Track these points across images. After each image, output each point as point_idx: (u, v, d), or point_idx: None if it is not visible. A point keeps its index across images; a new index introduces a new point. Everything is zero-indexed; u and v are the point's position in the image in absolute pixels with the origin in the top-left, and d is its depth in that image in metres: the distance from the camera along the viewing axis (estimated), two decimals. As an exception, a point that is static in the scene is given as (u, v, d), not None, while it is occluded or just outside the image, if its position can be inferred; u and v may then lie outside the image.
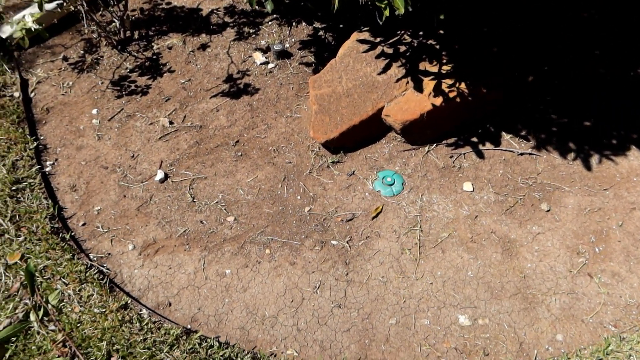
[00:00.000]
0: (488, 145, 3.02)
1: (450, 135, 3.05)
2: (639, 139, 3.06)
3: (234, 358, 2.22)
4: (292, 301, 2.46)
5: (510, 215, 2.75)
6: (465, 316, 2.41)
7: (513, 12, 3.40)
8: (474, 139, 3.04)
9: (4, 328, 2.26)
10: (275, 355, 2.29)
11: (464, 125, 3.07)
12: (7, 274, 2.45)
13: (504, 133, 3.07)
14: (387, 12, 2.15)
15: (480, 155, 2.98)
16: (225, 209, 2.79)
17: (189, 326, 2.38)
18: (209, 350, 2.25)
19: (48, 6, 3.27)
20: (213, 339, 2.30)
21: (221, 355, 2.22)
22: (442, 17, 2.40)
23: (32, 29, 2.90)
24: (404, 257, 2.60)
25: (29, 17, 2.92)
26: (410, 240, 2.66)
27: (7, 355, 2.20)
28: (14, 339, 2.24)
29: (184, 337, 2.29)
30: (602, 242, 2.65)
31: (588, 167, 2.94)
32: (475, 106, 2.92)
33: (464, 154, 2.99)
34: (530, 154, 2.99)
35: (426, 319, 2.41)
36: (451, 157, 2.97)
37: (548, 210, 2.77)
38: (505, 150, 3.00)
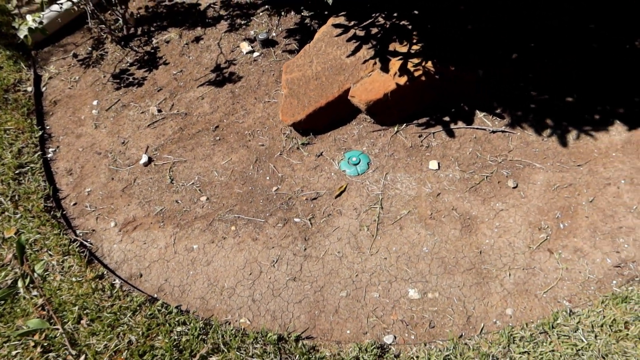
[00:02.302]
0: (460, 124, 3.01)
1: (422, 115, 3.06)
2: (625, 114, 2.94)
3: (188, 323, 2.38)
4: (251, 274, 2.60)
5: (474, 193, 2.74)
6: (415, 290, 2.45)
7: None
8: (446, 118, 3.03)
9: (-6, 293, 2.56)
10: (229, 323, 2.44)
11: (437, 105, 3.07)
12: (2, 246, 2.75)
13: (478, 111, 3.04)
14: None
15: (450, 134, 2.97)
16: (199, 190, 2.97)
17: (155, 295, 2.57)
18: (167, 316, 2.43)
19: (55, 8, 3.60)
20: (173, 306, 2.48)
21: (177, 321, 2.40)
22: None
23: (34, 28, 3.20)
24: (362, 234, 2.67)
25: (30, 17, 3.23)
26: (370, 218, 2.72)
27: (-6, 316, 2.48)
28: (2, 302, 2.53)
29: (147, 304, 2.49)
30: (568, 218, 2.59)
31: (564, 144, 2.86)
32: (445, 85, 2.92)
33: (434, 133, 2.99)
34: (503, 131, 2.95)
35: (376, 292, 2.47)
36: (420, 136, 2.99)
37: (515, 187, 2.73)
38: (478, 129, 2.98)
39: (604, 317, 2.21)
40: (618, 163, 2.75)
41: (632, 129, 2.86)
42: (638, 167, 2.71)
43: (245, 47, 3.64)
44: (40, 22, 3.28)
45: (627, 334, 2.15)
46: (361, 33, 3.12)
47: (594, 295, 2.34)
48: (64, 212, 2.97)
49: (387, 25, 3.12)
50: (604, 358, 2.10)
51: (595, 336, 2.16)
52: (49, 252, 2.72)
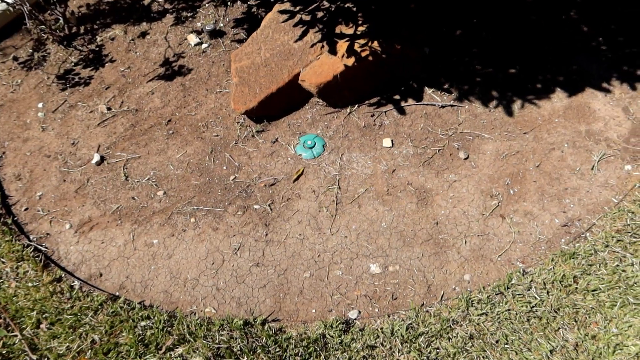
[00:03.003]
0: (410, 101, 3.07)
1: (373, 95, 3.11)
2: (564, 81, 3.07)
3: (152, 317, 2.36)
4: (213, 264, 2.59)
5: (428, 167, 2.81)
6: (377, 265, 2.50)
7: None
8: (396, 97, 3.09)
9: (-55, 306, 2.46)
10: (194, 314, 2.43)
11: (386, 84, 3.12)
12: (-49, 258, 2.65)
13: (426, 88, 3.11)
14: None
15: (401, 111, 3.03)
16: (155, 185, 2.93)
17: (116, 293, 2.54)
18: (130, 312, 2.40)
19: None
20: (135, 302, 2.45)
21: (140, 316, 2.37)
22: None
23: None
24: (321, 215, 2.70)
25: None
26: (328, 199, 2.75)
27: (-53, 330, 2.39)
28: (-45, 315, 2.44)
29: (109, 303, 2.45)
30: (517, 184, 2.69)
31: (509, 113, 2.97)
32: (392, 64, 2.97)
33: (386, 112, 3.05)
34: (452, 105, 3.03)
35: (339, 270, 2.51)
36: (372, 115, 3.03)
37: (466, 158, 2.82)
38: (427, 105, 3.05)
39: (555, 273, 2.31)
40: (561, 128, 2.87)
41: (572, 95, 2.99)
42: (579, 131, 2.84)
43: (192, 39, 3.60)
44: (-26, 24, 3.15)
45: (577, 288, 2.26)
46: (307, 17, 3.14)
47: (545, 254, 2.44)
48: (15, 218, 2.88)
49: (333, 9, 3.15)
50: (556, 312, 2.20)
51: (547, 292, 2.26)
52: (2, 260, 2.64)
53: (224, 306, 2.45)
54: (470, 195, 2.68)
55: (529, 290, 2.27)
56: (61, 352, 2.29)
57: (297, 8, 3.21)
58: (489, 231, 2.55)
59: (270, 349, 2.21)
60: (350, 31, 3.02)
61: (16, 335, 2.35)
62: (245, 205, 2.78)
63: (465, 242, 2.52)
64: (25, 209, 2.93)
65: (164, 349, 2.26)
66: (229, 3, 3.80)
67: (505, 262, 2.44)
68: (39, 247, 2.73)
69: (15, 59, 3.79)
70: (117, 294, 2.54)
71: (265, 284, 2.50)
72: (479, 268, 2.44)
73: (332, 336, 2.24)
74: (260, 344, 2.23)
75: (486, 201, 2.65)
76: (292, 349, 2.21)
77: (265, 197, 2.80)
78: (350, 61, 2.86)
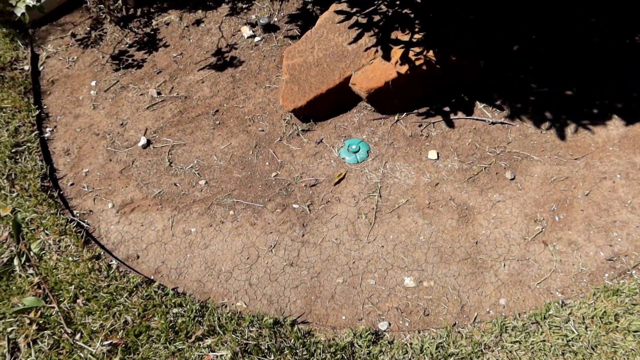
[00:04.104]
0: (460, 114, 3.02)
1: (423, 104, 3.06)
2: (623, 109, 2.96)
3: (184, 305, 2.40)
4: (248, 258, 2.61)
5: (472, 184, 2.76)
6: (411, 278, 2.47)
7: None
8: (446, 108, 3.04)
9: (-10, 271, 2.56)
10: (225, 306, 2.46)
11: (437, 94, 3.07)
12: (-2, 225, 2.74)
13: (478, 102, 3.05)
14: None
15: (450, 124, 2.98)
16: (198, 173, 2.96)
17: (151, 277, 2.58)
18: (164, 298, 2.44)
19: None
20: (170, 288, 2.49)
21: (173, 302, 2.41)
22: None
23: (31, 5, 3.16)
24: (360, 221, 2.68)
25: (28, -6, 3.19)
26: (368, 206, 2.73)
27: (-10, 294, 2.49)
28: (-2, 280, 2.54)
29: (144, 286, 2.49)
30: (563, 210, 2.61)
31: (562, 137, 2.88)
32: (446, 75, 2.92)
33: (434, 123, 3.00)
34: (502, 123, 2.96)
35: (372, 279, 2.49)
36: (420, 125, 2.99)
37: (512, 179, 2.75)
38: (477, 120, 2.99)
39: (595, 309, 2.24)
40: (614, 157, 2.77)
41: (630, 124, 2.88)
42: (634, 162, 2.74)
43: (246, 31, 3.61)
44: (38, 0, 3.24)
45: (617, 326, 2.18)
46: (363, 20, 3.11)
47: (586, 287, 2.37)
48: (61, 192, 2.96)
49: (390, 13, 3.11)
50: (593, 349, 2.13)
51: (586, 327, 2.19)
52: (46, 232, 2.71)
53: (255, 302, 2.46)
54: (514, 217, 2.62)
55: (566, 322, 2.21)
56: (94, 328, 2.35)
57: (354, 9, 3.19)
58: (529, 257, 2.48)
59: (297, 351, 2.21)
60: (405, 38, 2.98)
61: (53, 307, 2.42)
62: (285, 204, 2.78)
63: (504, 265, 2.47)
64: (71, 184, 3.01)
65: (193, 338, 2.29)
66: (285, -2, 3.80)
67: (544, 291, 2.38)
68: (82, 223, 2.80)
69: (73, 35, 3.89)
70: (152, 278, 2.58)
71: (298, 284, 2.50)
72: (516, 293, 2.38)
73: (360, 346, 2.23)
74: (288, 345, 2.24)
75: (529, 225, 2.58)
76: (320, 354, 2.20)
77: (304, 198, 2.80)
78: (404, 69, 2.82)
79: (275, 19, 3.69)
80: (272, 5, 3.80)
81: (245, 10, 3.81)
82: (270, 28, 3.59)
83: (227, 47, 3.58)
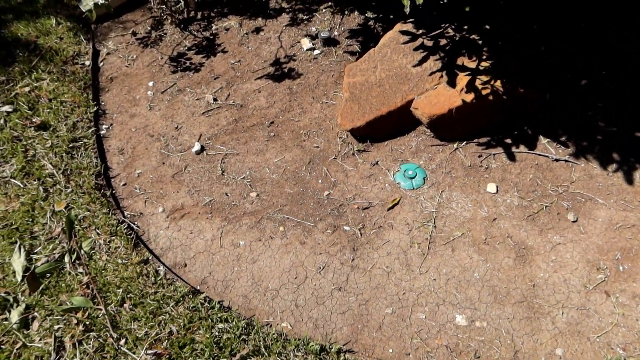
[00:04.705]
0: (522, 147, 2.92)
1: (483, 134, 2.98)
2: (697, 157, 2.81)
3: (230, 321, 2.37)
4: (296, 278, 2.57)
5: (531, 222, 2.66)
6: (463, 316, 2.39)
7: (573, 10, 3.22)
8: (508, 140, 2.94)
9: (41, 264, 2.58)
10: (270, 325, 2.42)
11: (499, 125, 2.98)
12: (52, 219, 2.77)
13: (541, 137, 2.94)
14: (406, 2, 2.15)
15: (511, 157, 2.89)
16: (250, 185, 2.94)
17: (198, 287, 2.57)
18: (210, 311, 2.42)
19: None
20: (216, 301, 2.46)
21: (219, 317, 2.39)
22: (467, 9, 2.35)
23: (99, 4, 3.20)
24: (412, 251, 2.61)
25: (97, -7, 3.23)
26: (422, 235, 2.66)
27: (40, 287, 2.50)
28: (48, 275, 2.56)
29: (190, 296, 2.48)
30: (628, 260, 2.49)
31: (629, 181, 2.75)
32: (511, 106, 2.83)
33: (494, 154, 2.91)
34: (566, 160, 2.85)
35: (422, 313, 2.41)
36: (480, 156, 2.90)
37: (574, 221, 2.64)
38: (540, 155, 2.88)
39: (662, 371, 2.12)
40: (687, 209, 2.63)
41: None
42: None
43: (306, 43, 3.58)
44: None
45: (686, 393, 2.06)
46: (429, 43, 3.04)
47: (651, 345, 2.25)
48: (114, 192, 2.98)
49: (457, 38, 3.03)
50: (659, 414, 2.02)
51: (651, 390, 2.08)
52: (97, 231, 2.73)
53: (300, 324, 2.42)
54: (574, 262, 2.50)
55: (629, 383, 2.10)
56: (139, 335, 2.34)
57: (420, 31, 3.12)
58: (590, 306, 2.37)
59: (343, 381, 2.16)
60: (472, 65, 2.90)
61: (100, 309, 2.43)
62: (336, 225, 2.74)
63: (563, 312, 2.36)
64: (124, 184, 3.02)
65: (237, 356, 2.26)
66: (346, 12, 3.76)
67: (604, 345, 2.26)
68: (132, 225, 2.81)
69: (134, 34, 3.93)
70: (199, 288, 2.57)
71: (345, 310, 2.45)
72: (573, 344, 2.28)
73: (408, 383, 2.16)
74: (333, 374, 2.18)
75: (591, 273, 2.47)
76: (366, 388, 2.15)
77: (356, 220, 2.74)
78: (469, 97, 2.74)
79: (336, 33, 3.65)
80: (333, 18, 3.76)
81: (305, 22, 3.78)
82: (330, 42, 3.56)
83: (286, 58, 3.56)
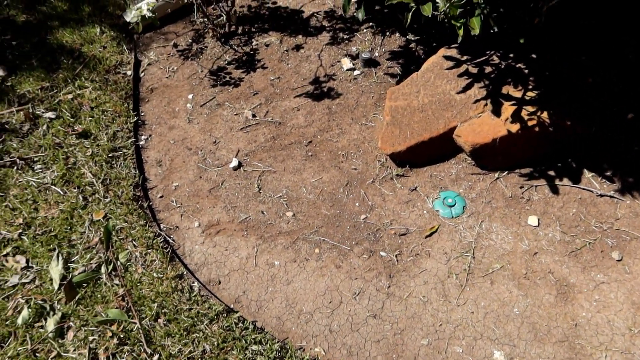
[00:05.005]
0: (565, 180, 2.85)
1: (524, 165, 2.92)
2: None
3: (264, 343, 2.35)
4: (330, 302, 2.54)
5: (574, 258, 2.59)
6: (502, 353, 2.33)
7: (623, 42, 3.16)
8: (551, 172, 2.88)
9: (79, 274, 2.60)
10: (303, 350, 2.39)
11: (541, 156, 2.92)
12: (90, 228, 2.79)
13: (585, 170, 2.88)
14: (461, 32, 2.13)
15: (554, 190, 2.83)
16: (286, 204, 2.93)
17: (231, 306, 2.55)
18: (244, 332, 2.40)
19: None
20: (249, 322, 2.45)
21: (253, 338, 2.37)
22: (522, 40, 2.32)
23: (147, 17, 3.25)
24: (450, 281, 2.56)
25: (145, 5, 3.28)
26: (460, 265, 2.61)
27: (77, 297, 2.52)
28: (85, 285, 2.57)
29: (224, 315, 2.46)
30: (676, 305, 2.41)
31: (677, 222, 2.67)
32: (557, 138, 2.78)
33: (536, 186, 2.85)
34: (611, 196, 2.78)
35: (459, 347, 2.36)
36: (521, 187, 2.85)
37: (619, 260, 2.56)
38: (584, 189, 2.82)
39: None
40: None
41: None
42: None
43: (346, 63, 3.58)
44: (154, 12, 3.32)
45: None
46: (474, 70, 3.01)
47: (700, 397, 2.16)
48: (150, 204, 2.99)
49: (502, 66, 3.00)
50: None
51: None
52: (134, 243, 2.74)
53: (334, 350, 2.38)
54: (619, 303, 2.43)
55: None
56: (173, 352, 2.33)
57: (464, 57, 3.09)
58: (635, 351, 2.29)
59: (378, 414, 2.12)
60: (517, 94, 2.85)
61: (135, 323, 2.43)
62: (372, 250, 2.70)
63: (606, 356, 2.28)
64: (161, 197, 3.04)
65: (271, 380, 2.23)
66: (387, 33, 3.75)
67: (650, 393, 2.18)
68: (168, 238, 2.81)
69: (175, 45, 3.97)
70: (232, 307, 2.55)
71: (380, 339, 2.41)
72: (617, 390, 2.20)
73: (444, 420, 2.11)
74: (368, 406, 2.14)
75: (636, 315, 2.39)
76: (401, 422, 2.10)
77: (393, 246, 2.71)
78: (515, 127, 2.70)
79: (376, 54, 3.65)
80: (374, 39, 3.76)
81: (346, 41, 3.79)
82: (371, 63, 3.55)
83: (325, 77, 3.56)
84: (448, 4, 1.99)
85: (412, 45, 3.67)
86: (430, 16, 2.11)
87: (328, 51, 3.75)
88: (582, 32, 2.91)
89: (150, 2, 3.29)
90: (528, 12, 2.22)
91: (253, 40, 3.94)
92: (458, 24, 2.12)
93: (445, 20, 2.19)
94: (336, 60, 3.67)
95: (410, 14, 2.19)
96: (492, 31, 2.21)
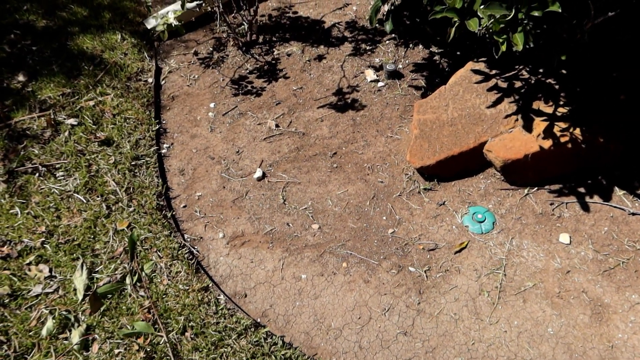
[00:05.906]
0: (596, 198, 2.82)
1: (554, 181, 2.89)
2: None
3: (293, 359, 2.29)
4: (360, 318, 2.49)
5: (607, 278, 2.55)
6: (537, 374, 2.28)
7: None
8: (581, 189, 2.85)
9: (104, 285, 2.55)
10: (333, 367, 2.34)
11: (571, 173, 2.89)
12: (114, 237, 2.74)
13: (617, 188, 2.84)
14: (503, 48, 2.11)
15: (585, 207, 2.79)
16: (312, 216, 2.89)
17: (258, 320, 2.50)
18: (272, 347, 2.35)
19: (189, 5, 3.62)
20: (278, 337, 2.40)
21: (282, 355, 2.32)
22: (563, 57, 2.29)
23: (173, 25, 3.23)
24: (481, 299, 2.52)
25: (171, 14, 3.26)
26: (491, 283, 2.56)
27: (102, 308, 2.47)
28: (110, 296, 2.52)
29: (252, 329, 2.41)
30: None
31: None
32: (589, 155, 2.75)
33: (567, 203, 2.81)
34: (643, 215, 2.74)
35: (493, 367, 2.31)
36: (552, 204, 2.81)
37: (653, 281, 2.52)
38: (615, 207, 2.78)
39: None
40: None
41: None
42: None
43: (370, 74, 3.56)
44: (180, 21, 3.30)
45: None
46: (503, 84, 2.98)
47: None
48: (174, 213, 2.95)
49: (532, 81, 2.97)
50: None
51: None
52: (158, 254, 2.70)
53: (364, 368, 2.33)
54: (655, 325, 2.39)
55: None
56: (200, 367, 2.28)
57: (493, 71, 3.07)
58: (673, 374, 2.25)
59: None
60: (549, 110, 2.82)
61: (162, 336, 2.38)
62: (401, 265, 2.66)
63: (644, 379, 2.24)
64: (184, 206, 2.99)
65: (302, 398, 2.18)
66: (410, 45, 3.73)
67: (691, 418, 2.13)
68: (193, 249, 2.77)
69: (196, 53, 3.95)
70: (259, 321, 2.50)
71: (411, 357, 2.36)
72: (657, 415, 2.15)
73: None
74: None
75: (673, 338, 2.34)
76: None
77: (422, 262, 2.67)
78: (548, 144, 2.67)
79: (400, 66, 3.62)
80: (397, 50, 3.74)
81: (368, 53, 3.76)
82: (395, 75, 3.52)
83: (349, 88, 3.53)
84: (493, 20, 1.96)
85: (436, 57, 3.65)
86: (476, 32, 2.08)
87: (351, 62, 3.73)
88: (617, 48, 2.88)
89: (176, 10, 3.27)
90: (571, 28, 2.19)
91: (274, 49, 3.92)
92: (500, 40, 2.09)
93: (487, 35, 2.16)
94: (359, 71, 3.65)
95: (454, 28, 2.16)
96: (527, 47, 2.18)
